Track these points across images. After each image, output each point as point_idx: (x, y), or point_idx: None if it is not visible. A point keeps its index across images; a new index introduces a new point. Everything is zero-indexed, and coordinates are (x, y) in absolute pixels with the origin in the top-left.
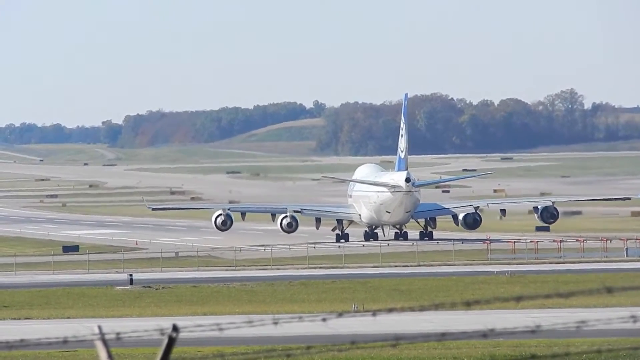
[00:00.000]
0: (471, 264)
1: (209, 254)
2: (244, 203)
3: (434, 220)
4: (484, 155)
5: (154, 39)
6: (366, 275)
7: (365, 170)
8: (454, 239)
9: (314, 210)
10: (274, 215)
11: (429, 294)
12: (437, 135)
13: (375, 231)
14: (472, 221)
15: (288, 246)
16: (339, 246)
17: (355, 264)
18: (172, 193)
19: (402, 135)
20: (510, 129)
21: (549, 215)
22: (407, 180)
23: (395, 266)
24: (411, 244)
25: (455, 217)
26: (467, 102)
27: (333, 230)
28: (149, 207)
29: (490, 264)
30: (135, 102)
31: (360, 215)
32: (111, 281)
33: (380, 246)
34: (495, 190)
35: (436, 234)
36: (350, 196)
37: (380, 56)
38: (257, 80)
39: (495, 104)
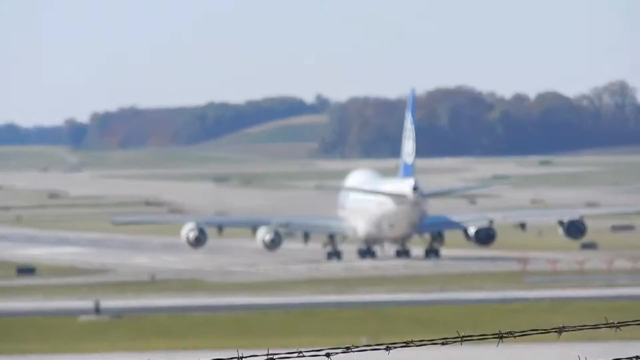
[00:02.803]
0: (504, 289)
1: (191, 276)
2: (224, 216)
3: (441, 235)
4: (519, 158)
5: (123, 22)
6: (379, 302)
7: (361, 176)
8: (483, 258)
9: (302, 223)
10: (255, 230)
11: (455, 324)
12: (463, 135)
13: (373, 248)
14: (485, 236)
15: (285, 266)
16: (346, 267)
17: (367, 289)
18: (148, 204)
19: (408, 137)
20: (549, 128)
21: (575, 230)
22: (415, 189)
23: (415, 291)
24: (433, 264)
25: (465, 231)
26: (498, 96)
27: (324, 246)
28: (112, 221)
29: (526, 288)
30: (104, 97)
31: (356, 229)
32: (74, 310)
33: (397, 268)
34: (532, 201)
35: (444, 252)
36: (343, 207)
37: (395, 42)
38: (248, 71)
39: (532, 99)
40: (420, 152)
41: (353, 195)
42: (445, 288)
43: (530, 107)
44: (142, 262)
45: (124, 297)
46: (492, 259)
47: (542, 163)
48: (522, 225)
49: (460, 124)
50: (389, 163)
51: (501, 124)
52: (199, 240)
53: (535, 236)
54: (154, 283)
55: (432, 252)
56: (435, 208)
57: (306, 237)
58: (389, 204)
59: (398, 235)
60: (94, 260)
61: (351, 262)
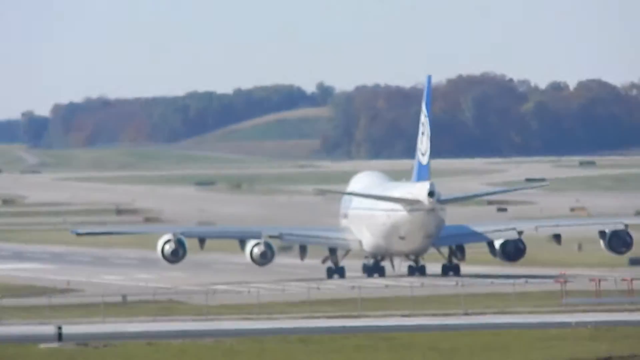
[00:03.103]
0: (539, 312)
1: (170, 297)
2: (207, 226)
3: (461, 249)
4: (556, 158)
5: (89, 0)
6: (392, 327)
7: (366, 179)
8: (514, 276)
9: (298, 235)
10: (243, 242)
11: (481, 354)
12: (490, 130)
13: (382, 264)
14: (514, 250)
15: (281, 286)
16: (352, 287)
17: (377, 312)
18: (120, 212)
19: (422, 133)
20: (592, 122)
21: (619, 242)
22: (431, 194)
23: (434, 315)
24: (455, 283)
25: (491, 244)
26: (532, 84)
27: (323, 262)
28: (73, 232)
29: (565, 311)
30: (68, 85)
31: (361, 241)
32: (33, 336)
33: (412, 287)
34: (572, 209)
35: (466, 268)
36: (346, 215)
37: (410, 21)
38: (237, 55)
39: (571, 88)
40: (439, 151)
41: (357, 202)
42: (470, 311)
43: (570, 97)
44: (113, 280)
45: (91, 321)
46: (524, 277)
47: (584, 164)
48: (557, 237)
49: (487, 118)
50: (404, 164)
51: (535, 118)
52: (177, 254)
53: (574, 250)
54: (126, 305)
55: (450, 269)
56: (457, 217)
57: (302, 250)
58: (400, 212)
59: (411, 249)
60: (57, 278)
61: (358, 281)
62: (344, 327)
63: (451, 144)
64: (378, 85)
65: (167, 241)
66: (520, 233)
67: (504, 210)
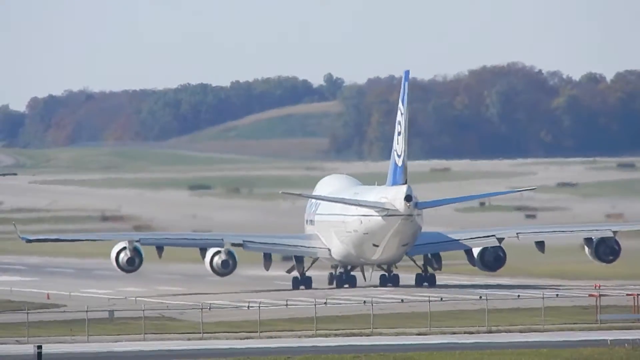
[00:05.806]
0: (572, 329)
1: (161, 313)
2: (162, 233)
3: (437, 257)
4: (591, 159)
5: None
6: (408, 346)
7: (334, 182)
8: (544, 287)
9: (262, 242)
10: (204, 250)
11: None
12: (518, 128)
13: (352, 273)
14: (493, 259)
15: (285, 301)
16: (364, 302)
17: (391, 329)
18: (105, 219)
19: (399, 133)
20: (631, 119)
21: (607, 250)
22: (408, 198)
23: (454, 333)
24: (478, 297)
25: (469, 252)
26: (564, 76)
27: (289, 271)
28: (23, 238)
29: (601, 328)
30: (45, 77)
31: (329, 249)
32: (9, 357)
33: (430, 301)
34: (608, 216)
35: (444, 277)
36: (312, 221)
37: (428, 7)
38: (236, 44)
39: (608, 80)
40: (460, 151)
41: (325, 207)
42: (494, 328)
43: (607, 91)
44: (97, 293)
45: (75, 340)
46: (552, 289)
47: (622, 166)
48: (540, 245)
49: (514, 114)
50: (421, 165)
51: (568, 114)
52: (133, 263)
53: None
54: (112, 322)
55: (425, 279)
56: (478, 222)
57: (267, 259)
58: (374, 218)
59: (385, 258)
60: (35, 292)
61: (370, 294)
62: (354, 346)
63: (474, 144)
64: (392, 77)
65: (122, 249)
66: (500, 240)
67: (533, 217)
